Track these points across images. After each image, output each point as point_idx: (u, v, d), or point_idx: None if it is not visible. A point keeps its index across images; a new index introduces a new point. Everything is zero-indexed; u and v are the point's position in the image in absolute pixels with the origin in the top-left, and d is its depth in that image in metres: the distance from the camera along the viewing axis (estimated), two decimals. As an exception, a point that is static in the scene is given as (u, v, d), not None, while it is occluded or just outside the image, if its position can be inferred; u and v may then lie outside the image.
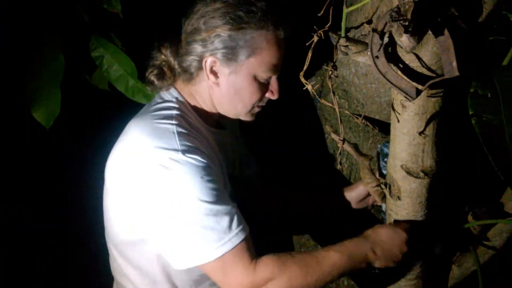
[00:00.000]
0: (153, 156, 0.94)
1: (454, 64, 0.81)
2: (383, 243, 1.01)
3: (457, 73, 0.82)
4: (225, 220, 0.93)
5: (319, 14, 0.84)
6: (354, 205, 1.26)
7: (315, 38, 0.87)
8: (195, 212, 0.92)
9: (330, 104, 0.85)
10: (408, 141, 0.98)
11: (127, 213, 1.01)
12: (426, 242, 1.05)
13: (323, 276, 0.96)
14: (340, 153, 0.81)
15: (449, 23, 0.78)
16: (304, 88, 0.92)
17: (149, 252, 1.04)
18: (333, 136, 0.87)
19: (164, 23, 1.13)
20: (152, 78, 1.07)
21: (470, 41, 0.83)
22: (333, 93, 0.82)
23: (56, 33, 1.18)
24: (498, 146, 0.79)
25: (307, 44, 0.88)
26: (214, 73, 1.03)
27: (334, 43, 0.90)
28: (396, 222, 1.08)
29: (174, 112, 1.02)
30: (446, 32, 0.80)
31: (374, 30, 0.86)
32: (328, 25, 0.85)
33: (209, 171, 0.95)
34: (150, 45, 1.10)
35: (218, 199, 0.94)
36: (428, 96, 0.91)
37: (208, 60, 1.01)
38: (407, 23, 0.76)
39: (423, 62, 0.86)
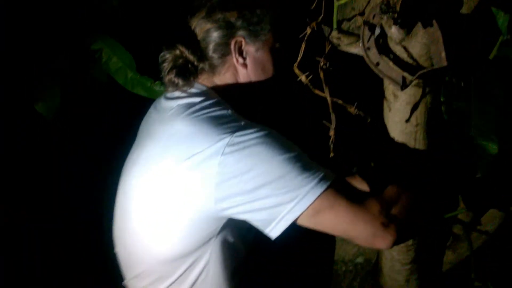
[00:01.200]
0: (221, 144, 0.87)
1: (443, 54, 0.84)
2: None
3: (445, 64, 0.84)
4: (313, 163, 0.89)
5: (311, 7, 0.86)
6: None
7: (308, 31, 0.89)
8: (287, 166, 0.86)
9: (323, 94, 0.88)
10: (400, 129, 1.00)
11: (200, 216, 0.92)
12: None
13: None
14: (332, 142, 0.84)
15: (436, 15, 0.80)
16: (298, 79, 0.94)
17: (199, 263, 0.99)
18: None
19: (169, 22, 1.11)
20: (176, 79, 0.99)
21: (458, 33, 0.85)
22: (325, 83, 0.85)
23: (56, 29, 1.20)
24: (463, 133, 0.82)
25: (300, 37, 0.91)
26: (241, 54, 1.00)
27: (326, 35, 0.93)
28: None
29: (214, 100, 0.97)
30: (435, 23, 0.83)
31: (366, 22, 0.88)
32: (321, 17, 0.88)
33: (279, 134, 0.91)
34: (159, 48, 1.04)
35: (299, 151, 0.89)
36: (418, 86, 0.93)
37: (237, 41, 0.99)
38: (395, 15, 0.79)
39: (413, 53, 0.88)
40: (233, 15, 0.98)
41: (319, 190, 0.85)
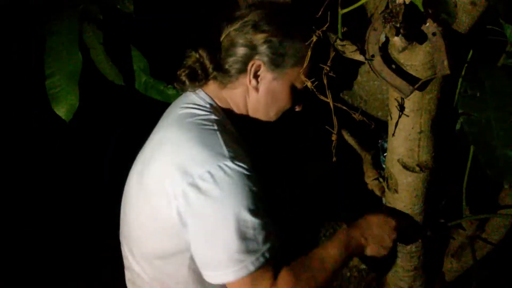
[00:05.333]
0: (200, 164, 0.91)
1: (446, 63, 0.85)
2: (373, 229, 1.04)
3: (448, 72, 0.86)
4: (262, 234, 0.91)
5: (317, 16, 0.88)
6: None
7: (314, 38, 0.92)
8: (240, 225, 0.89)
9: (326, 99, 0.90)
10: (404, 136, 1.02)
11: (169, 226, 0.95)
12: (415, 228, 1.10)
13: (328, 273, 0.99)
14: (334, 147, 0.86)
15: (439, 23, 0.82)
16: (303, 85, 0.96)
17: (186, 262, 1.01)
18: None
19: (201, 23, 1.12)
20: (184, 78, 1.04)
21: (460, 42, 0.87)
22: (328, 89, 0.87)
23: (73, 31, 1.23)
24: (485, 143, 0.83)
25: (306, 44, 0.93)
26: (256, 78, 1.02)
27: (332, 42, 0.95)
28: (387, 209, 1.13)
29: (213, 116, 1.00)
30: (438, 31, 0.84)
31: (370, 30, 0.91)
32: (327, 25, 0.90)
33: (255, 180, 0.92)
34: (173, 52, 1.09)
35: (261, 212, 0.92)
36: (422, 94, 0.95)
37: (255, 64, 1.00)
38: (398, 24, 0.81)
39: (416, 61, 0.90)
40: (261, 38, 0.99)
41: (251, 268, 0.90)
